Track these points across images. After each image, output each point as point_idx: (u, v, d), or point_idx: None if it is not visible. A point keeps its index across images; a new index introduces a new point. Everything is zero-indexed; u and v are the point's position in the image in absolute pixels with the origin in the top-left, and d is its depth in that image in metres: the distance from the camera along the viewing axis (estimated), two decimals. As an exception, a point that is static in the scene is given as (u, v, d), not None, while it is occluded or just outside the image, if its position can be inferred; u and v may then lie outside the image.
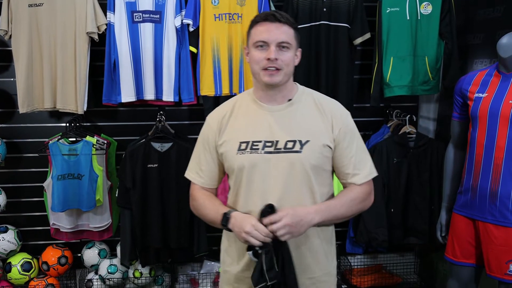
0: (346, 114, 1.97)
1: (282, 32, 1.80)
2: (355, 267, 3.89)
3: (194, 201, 2.00)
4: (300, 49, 1.91)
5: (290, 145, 1.84)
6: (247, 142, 1.87)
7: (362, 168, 1.93)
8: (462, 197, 2.65)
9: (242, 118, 1.93)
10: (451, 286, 2.74)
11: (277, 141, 1.85)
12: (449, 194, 2.89)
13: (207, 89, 3.33)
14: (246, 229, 1.71)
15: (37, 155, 3.38)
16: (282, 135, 1.86)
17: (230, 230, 1.83)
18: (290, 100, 1.91)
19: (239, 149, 1.87)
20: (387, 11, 3.34)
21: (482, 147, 2.48)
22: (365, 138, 3.65)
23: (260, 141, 1.86)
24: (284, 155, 1.84)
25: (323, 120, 1.90)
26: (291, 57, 1.83)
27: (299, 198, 1.86)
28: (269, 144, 1.85)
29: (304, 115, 1.90)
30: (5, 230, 3.43)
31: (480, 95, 2.52)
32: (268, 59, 1.77)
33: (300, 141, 1.85)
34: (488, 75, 2.56)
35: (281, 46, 1.79)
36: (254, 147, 1.86)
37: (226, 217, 1.82)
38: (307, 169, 1.85)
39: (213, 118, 1.99)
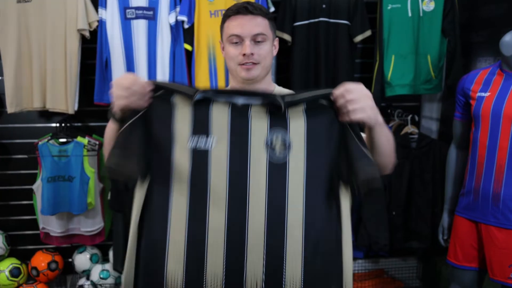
0: None
1: (256, 25, 1.72)
2: (356, 271, 3.78)
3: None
4: (277, 39, 1.83)
5: None
6: None
7: None
8: (464, 199, 2.57)
9: None
10: None
11: None
12: (451, 196, 2.82)
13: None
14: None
15: (25, 156, 3.28)
16: None
17: (119, 119, 1.54)
18: None
19: None
20: (388, 7, 3.25)
21: (485, 147, 2.41)
22: (366, 139, 3.56)
23: None
24: None
25: None
26: (268, 50, 1.75)
27: None
28: None
29: None
30: (-7, 235, 3.31)
31: (483, 94, 2.44)
32: (244, 54, 1.70)
33: None
34: (490, 74, 2.48)
35: (257, 39, 1.71)
36: None
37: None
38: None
39: None
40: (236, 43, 1.72)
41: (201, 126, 1.47)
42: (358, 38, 3.30)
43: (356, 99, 1.43)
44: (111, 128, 1.61)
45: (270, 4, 3.24)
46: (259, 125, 1.47)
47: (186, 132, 1.48)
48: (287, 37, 3.27)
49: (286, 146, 1.46)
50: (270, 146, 1.46)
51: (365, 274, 3.77)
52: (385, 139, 1.55)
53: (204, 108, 1.47)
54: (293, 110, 1.47)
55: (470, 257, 2.57)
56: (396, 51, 3.28)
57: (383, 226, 3.32)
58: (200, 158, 1.45)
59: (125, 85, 1.46)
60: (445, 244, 2.85)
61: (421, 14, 3.25)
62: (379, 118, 1.49)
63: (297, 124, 1.48)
